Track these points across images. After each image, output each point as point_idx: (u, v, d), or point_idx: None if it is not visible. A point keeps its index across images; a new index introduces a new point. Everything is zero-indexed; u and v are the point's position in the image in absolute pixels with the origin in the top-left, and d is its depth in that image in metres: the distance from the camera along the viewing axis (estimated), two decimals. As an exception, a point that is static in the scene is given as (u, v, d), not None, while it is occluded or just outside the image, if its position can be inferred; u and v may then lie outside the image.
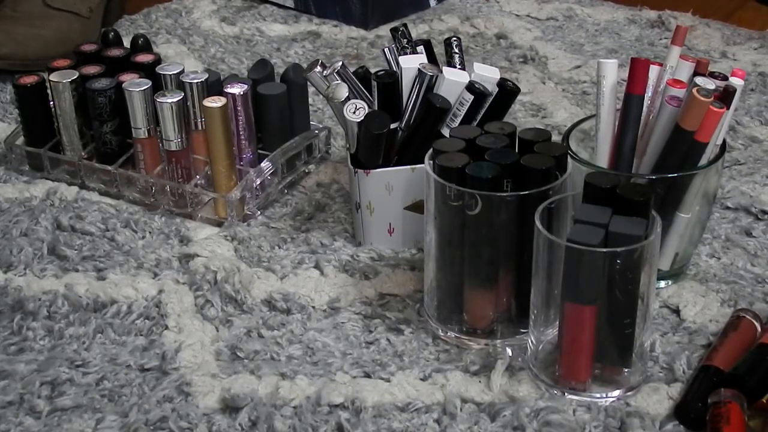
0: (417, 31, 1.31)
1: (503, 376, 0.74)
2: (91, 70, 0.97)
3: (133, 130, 0.94)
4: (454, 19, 1.34)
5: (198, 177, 0.93)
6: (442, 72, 0.84)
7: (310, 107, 1.03)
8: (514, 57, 1.24)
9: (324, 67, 0.87)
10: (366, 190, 0.85)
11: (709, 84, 0.75)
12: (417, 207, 0.85)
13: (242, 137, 0.93)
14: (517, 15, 1.36)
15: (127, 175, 0.96)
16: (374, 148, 0.84)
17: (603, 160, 0.80)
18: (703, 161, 0.77)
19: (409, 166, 0.85)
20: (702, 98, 0.74)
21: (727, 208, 0.93)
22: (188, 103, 0.92)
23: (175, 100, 0.91)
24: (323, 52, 1.27)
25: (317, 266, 0.86)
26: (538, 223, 0.69)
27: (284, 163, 0.96)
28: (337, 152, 1.03)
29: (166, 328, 0.80)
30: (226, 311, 0.82)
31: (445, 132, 0.84)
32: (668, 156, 0.77)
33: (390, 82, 0.85)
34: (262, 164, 0.94)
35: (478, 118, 0.84)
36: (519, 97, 0.94)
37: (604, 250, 0.67)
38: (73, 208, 0.94)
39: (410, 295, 0.82)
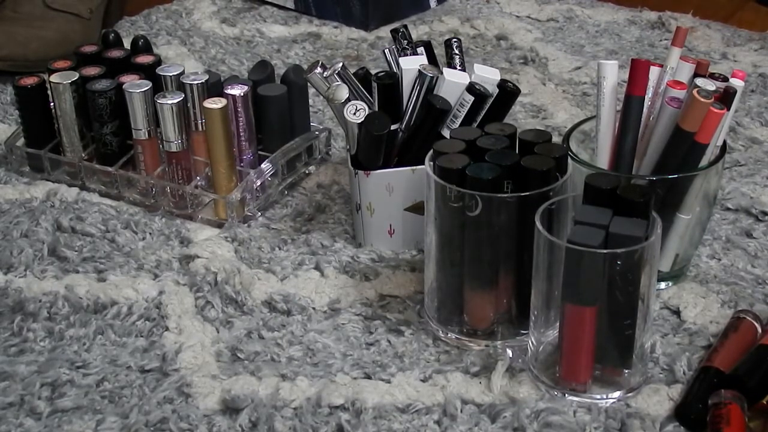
0: (417, 32, 1.31)
1: (504, 377, 0.74)
2: (92, 71, 0.97)
3: (133, 131, 0.94)
4: (455, 20, 1.34)
5: (198, 178, 0.93)
6: (442, 73, 0.84)
7: (311, 108, 1.03)
8: (515, 58, 1.24)
9: (324, 68, 0.87)
10: (366, 191, 0.85)
11: (710, 85, 0.75)
12: (417, 208, 0.85)
13: (242, 138, 0.93)
14: (517, 16, 1.36)
15: (128, 176, 0.96)
16: (374, 149, 0.84)
17: (603, 161, 0.80)
18: (704, 162, 0.77)
19: (409, 167, 0.85)
20: (702, 99, 0.74)
21: (728, 209, 0.93)
22: (188, 105, 0.92)
23: (175, 101, 0.91)
24: (323, 54, 1.27)
25: (317, 267, 0.86)
26: (538, 224, 0.69)
27: (284, 164, 0.96)
28: (338, 153, 1.03)
29: (167, 329, 0.80)
30: (226, 312, 0.82)
31: (446, 133, 0.84)
32: (668, 157, 0.77)
33: (390, 83, 0.86)
34: (263, 165, 0.94)
35: (479, 119, 0.84)
36: (519, 99, 0.94)
37: (605, 251, 0.67)
38: (74, 209, 0.94)
39: (410, 297, 0.82)
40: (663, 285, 0.82)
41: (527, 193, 0.72)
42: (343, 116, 0.84)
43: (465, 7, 1.39)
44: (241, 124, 0.92)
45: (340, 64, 0.87)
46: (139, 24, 1.36)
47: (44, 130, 0.99)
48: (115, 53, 1.01)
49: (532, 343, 0.74)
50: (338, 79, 0.86)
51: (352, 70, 0.89)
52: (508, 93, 0.84)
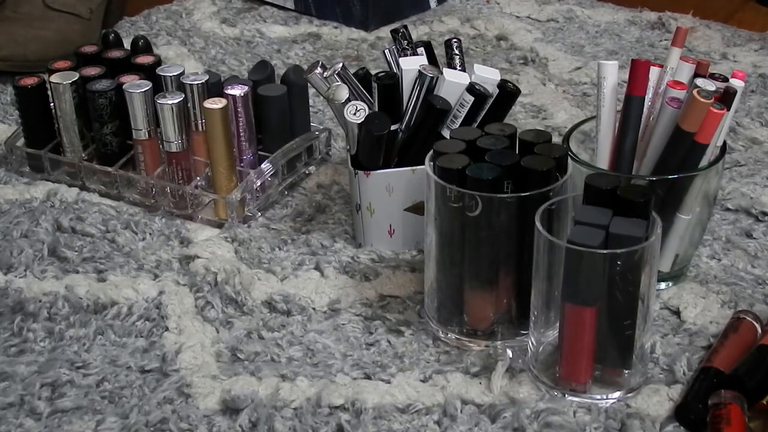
0: (417, 32, 1.31)
1: (503, 377, 0.74)
2: (92, 71, 0.97)
3: (133, 131, 0.94)
4: (455, 20, 1.34)
5: (198, 178, 0.93)
6: (442, 73, 0.84)
7: (311, 108, 1.03)
8: (515, 58, 1.24)
9: (324, 68, 0.87)
10: (366, 192, 0.85)
11: (710, 85, 0.75)
12: (417, 208, 0.85)
13: (242, 139, 0.93)
14: (517, 16, 1.36)
15: (128, 176, 0.96)
16: (374, 149, 0.84)
17: (603, 161, 0.80)
18: (704, 163, 0.77)
19: (409, 168, 0.85)
20: (702, 100, 0.74)
21: (728, 209, 0.93)
22: (188, 105, 0.92)
23: (175, 101, 0.91)
24: (323, 54, 1.27)
25: (317, 268, 0.86)
26: (538, 224, 0.69)
27: (284, 164, 0.96)
28: (338, 153, 1.03)
29: (167, 329, 0.80)
30: (226, 313, 0.82)
31: (446, 133, 0.84)
32: (668, 157, 0.77)
33: (390, 83, 0.85)
34: (263, 166, 0.94)
35: (479, 119, 0.84)
36: (519, 99, 0.94)
37: (605, 251, 0.67)
38: (74, 209, 0.94)
39: (410, 297, 0.82)
40: (663, 285, 0.82)
41: (527, 194, 0.72)
42: (343, 116, 0.84)
43: (465, 8, 1.39)
44: (241, 124, 0.92)
45: (340, 65, 0.87)
46: (139, 24, 1.36)
47: (44, 130, 0.99)
48: (115, 53, 1.01)
49: (532, 343, 0.74)
50: (338, 79, 0.86)
51: (352, 71, 0.89)
52: (508, 93, 0.84)
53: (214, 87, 0.93)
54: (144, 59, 0.99)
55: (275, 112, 0.95)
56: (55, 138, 0.99)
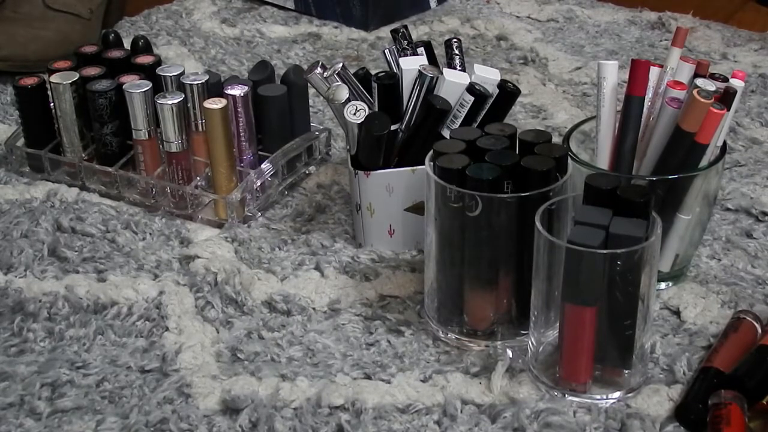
0: (417, 32, 1.31)
1: (504, 377, 0.74)
2: (92, 71, 0.97)
3: (133, 131, 0.94)
4: (455, 20, 1.34)
5: (198, 178, 0.93)
6: (442, 73, 0.84)
7: (311, 109, 1.03)
8: (515, 58, 1.24)
9: (324, 68, 0.87)
10: (366, 192, 0.85)
11: (710, 85, 0.75)
12: (417, 208, 0.85)
13: (242, 139, 0.93)
14: (517, 16, 1.36)
15: (128, 176, 0.96)
16: (374, 149, 0.84)
17: (603, 161, 0.80)
18: (704, 163, 0.77)
19: (409, 168, 0.85)
20: (702, 100, 0.74)
21: (728, 209, 0.93)
22: (188, 105, 0.92)
23: (175, 101, 0.91)
24: (323, 54, 1.27)
25: (318, 268, 0.86)
26: (538, 224, 0.69)
27: (285, 164, 0.96)
28: (338, 153, 1.03)
29: (167, 329, 0.80)
30: (226, 313, 0.82)
31: (446, 133, 0.84)
32: (668, 157, 0.77)
33: (390, 83, 0.85)
34: (263, 166, 0.94)
35: (479, 119, 0.84)
36: (519, 99, 0.94)
37: (605, 251, 0.67)
38: (74, 209, 0.94)
39: (411, 297, 0.82)
40: (663, 285, 0.82)
41: (527, 194, 0.72)
42: (343, 116, 0.84)
43: (465, 8, 1.39)
44: (241, 124, 0.92)
45: (340, 65, 0.87)
46: (139, 24, 1.36)
47: (44, 130, 0.99)
48: (115, 53, 1.01)
49: (532, 343, 0.74)
50: (338, 79, 0.86)
51: (352, 71, 0.89)
52: (508, 93, 0.84)
53: (214, 87, 0.93)
54: (144, 59, 0.99)
55: (275, 112, 0.95)
56: (55, 138, 0.99)
